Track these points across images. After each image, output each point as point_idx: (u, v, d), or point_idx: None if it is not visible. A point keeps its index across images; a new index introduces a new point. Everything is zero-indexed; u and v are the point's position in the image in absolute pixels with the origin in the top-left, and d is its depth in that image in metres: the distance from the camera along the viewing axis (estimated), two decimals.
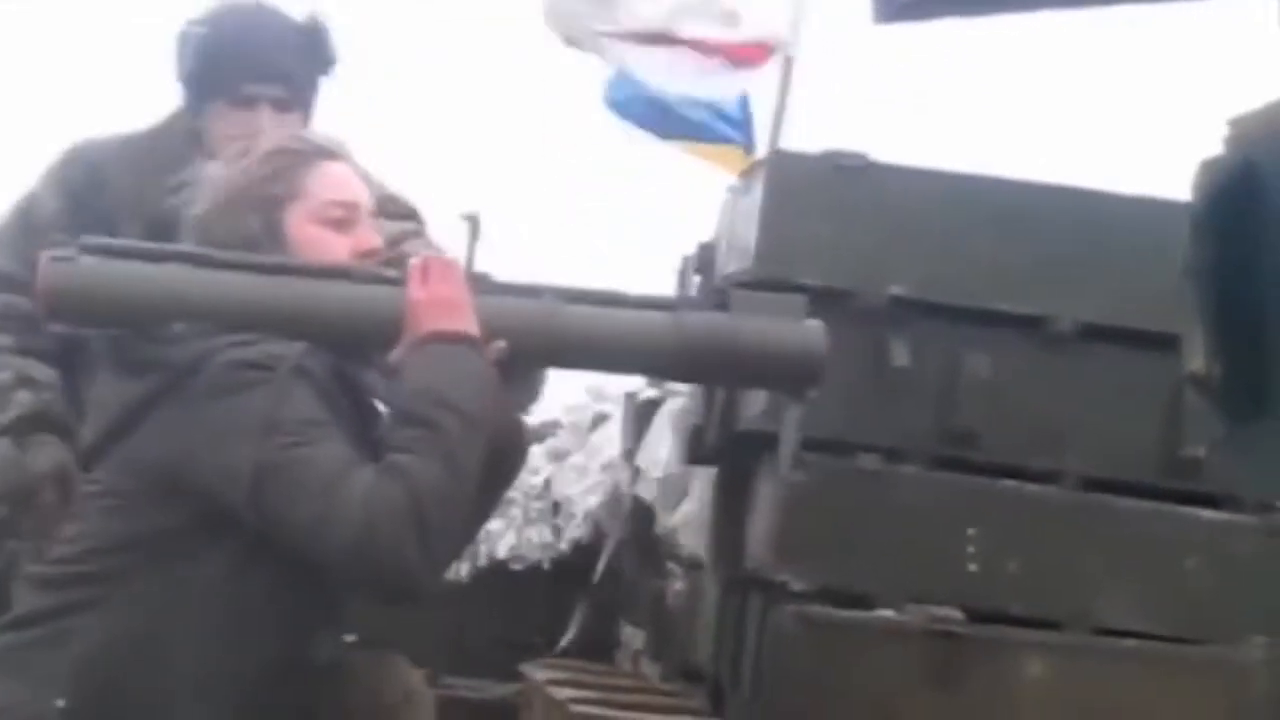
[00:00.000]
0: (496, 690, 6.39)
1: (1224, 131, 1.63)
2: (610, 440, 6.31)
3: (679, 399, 4.94)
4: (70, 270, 2.63)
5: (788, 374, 2.76)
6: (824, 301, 2.83)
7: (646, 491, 5.26)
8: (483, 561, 8.07)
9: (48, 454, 3.33)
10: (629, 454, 5.57)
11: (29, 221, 3.44)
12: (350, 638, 2.94)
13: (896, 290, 3.60)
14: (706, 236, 4.13)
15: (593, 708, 4.12)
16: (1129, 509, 3.62)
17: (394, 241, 3.14)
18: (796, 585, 3.52)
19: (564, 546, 7.12)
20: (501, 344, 2.64)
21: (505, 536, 8.06)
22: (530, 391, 2.83)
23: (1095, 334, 3.64)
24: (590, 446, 7.00)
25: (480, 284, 2.69)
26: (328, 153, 2.83)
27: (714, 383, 3.61)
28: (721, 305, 2.77)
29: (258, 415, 2.51)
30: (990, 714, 3.50)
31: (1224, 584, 3.59)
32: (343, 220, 2.78)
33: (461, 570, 7.68)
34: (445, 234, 3.11)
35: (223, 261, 2.67)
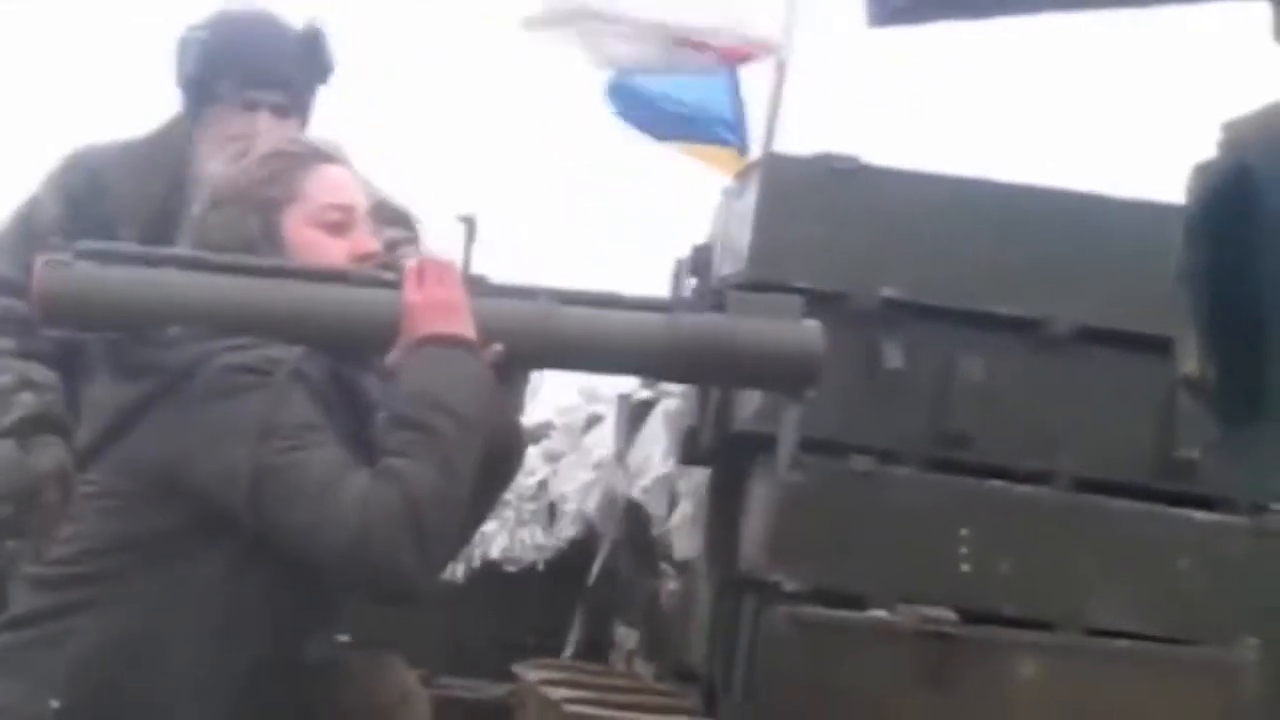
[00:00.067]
0: (492, 690, 6.39)
1: (1218, 135, 1.64)
2: (603, 442, 6.32)
3: (672, 400, 4.95)
4: (65, 275, 2.63)
5: (785, 374, 2.76)
6: (817, 303, 2.84)
7: (639, 492, 5.27)
8: (477, 563, 8.07)
9: (50, 454, 3.35)
10: (621, 455, 5.58)
11: (30, 227, 3.47)
12: (345, 638, 2.95)
13: (890, 292, 3.61)
14: (703, 238, 4.14)
15: (586, 708, 4.13)
16: (1122, 510, 3.63)
17: (388, 249, 3.14)
18: (790, 586, 3.53)
19: (558, 546, 7.12)
20: (498, 347, 2.64)
21: (499, 538, 8.07)
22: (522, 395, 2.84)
23: (1089, 336, 3.65)
24: (584, 448, 7.01)
25: (477, 286, 2.69)
26: (325, 156, 2.83)
27: (711, 383, 3.61)
28: (718, 307, 2.78)
29: (255, 419, 2.52)
30: (983, 714, 3.51)
31: (1216, 585, 3.60)
32: (340, 224, 2.78)
33: (457, 571, 7.69)
34: (442, 236, 3.12)
35: (219, 265, 2.67)
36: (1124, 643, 3.57)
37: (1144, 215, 3.55)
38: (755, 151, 6.89)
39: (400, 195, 3.53)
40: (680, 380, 3.72)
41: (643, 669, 5.33)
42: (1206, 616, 3.59)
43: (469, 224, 2.75)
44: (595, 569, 6.13)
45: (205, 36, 3.41)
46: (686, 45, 7.01)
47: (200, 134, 3.45)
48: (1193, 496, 3.63)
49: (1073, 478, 3.62)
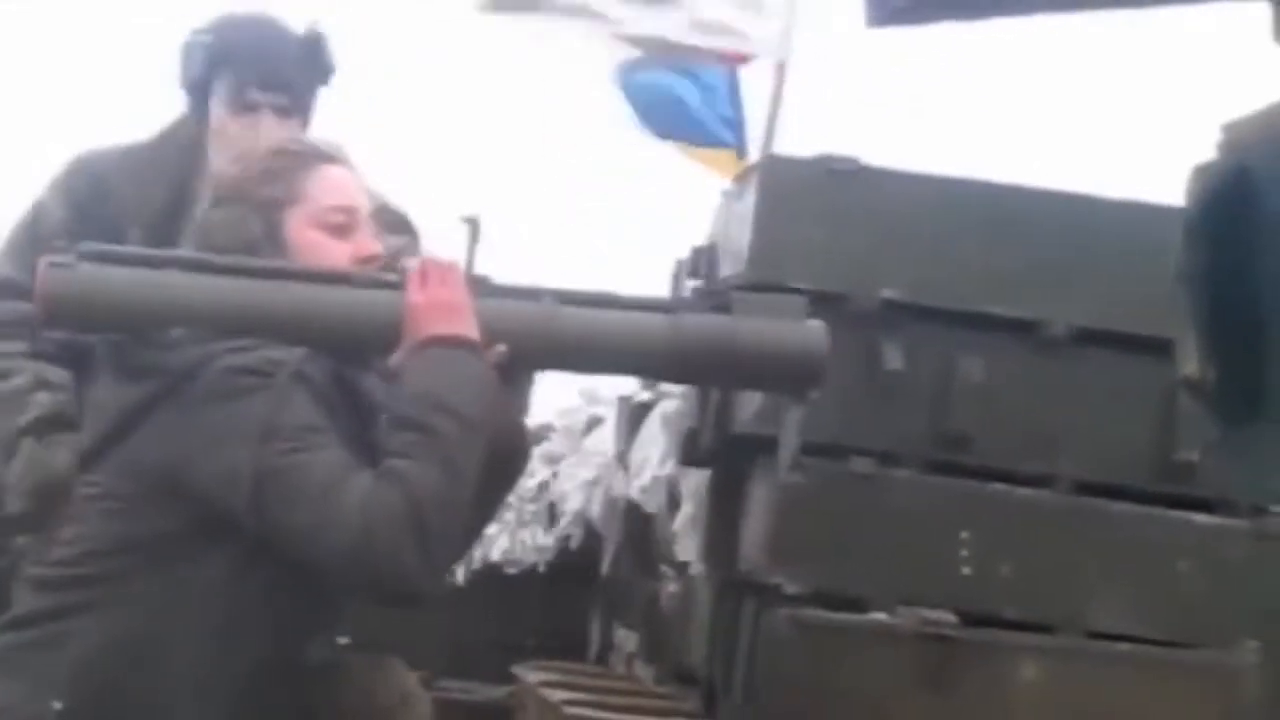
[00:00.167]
0: (492, 692, 6.40)
1: (1217, 136, 1.64)
2: (604, 443, 6.33)
3: (671, 401, 4.95)
4: (68, 276, 2.63)
5: (788, 374, 2.76)
6: (817, 305, 2.83)
7: (639, 494, 5.28)
8: (478, 564, 8.08)
9: (67, 452, 3.36)
10: (622, 457, 5.58)
11: (36, 232, 3.49)
12: (345, 640, 2.95)
13: (889, 294, 3.62)
14: (702, 239, 4.14)
15: (586, 710, 4.13)
16: (1122, 513, 3.63)
17: (391, 257, 3.15)
18: (790, 588, 3.53)
19: (558, 548, 7.13)
20: (502, 348, 2.64)
21: (499, 539, 8.08)
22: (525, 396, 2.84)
23: (1088, 338, 3.65)
24: (584, 450, 7.01)
25: (480, 287, 2.69)
26: (327, 157, 2.83)
27: (714, 384, 3.61)
28: (722, 307, 2.78)
29: (257, 421, 2.52)
30: (983, 717, 3.51)
31: (1216, 588, 3.61)
32: (342, 226, 2.78)
33: (458, 573, 7.70)
34: (445, 237, 3.12)
35: (221, 267, 2.67)
36: (1124, 646, 3.57)
37: (1145, 217, 3.55)
38: (754, 153, 6.89)
39: (401, 196, 3.54)
40: (684, 381, 3.72)
41: (642, 671, 5.34)
42: (1207, 619, 3.59)
43: (473, 225, 2.76)
44: (604, 571, 6.14)
45: (209, 40, 3.45)
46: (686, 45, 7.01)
47: (207, 136, 3.47)
48: (1193, 499, 3.63)
49: (1073, 480, 3.62)
